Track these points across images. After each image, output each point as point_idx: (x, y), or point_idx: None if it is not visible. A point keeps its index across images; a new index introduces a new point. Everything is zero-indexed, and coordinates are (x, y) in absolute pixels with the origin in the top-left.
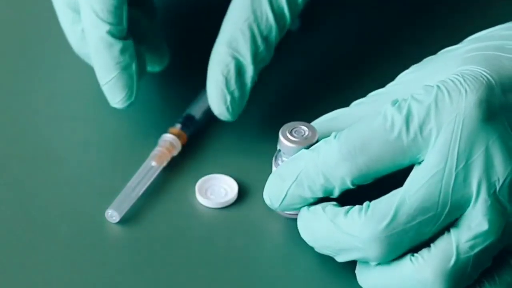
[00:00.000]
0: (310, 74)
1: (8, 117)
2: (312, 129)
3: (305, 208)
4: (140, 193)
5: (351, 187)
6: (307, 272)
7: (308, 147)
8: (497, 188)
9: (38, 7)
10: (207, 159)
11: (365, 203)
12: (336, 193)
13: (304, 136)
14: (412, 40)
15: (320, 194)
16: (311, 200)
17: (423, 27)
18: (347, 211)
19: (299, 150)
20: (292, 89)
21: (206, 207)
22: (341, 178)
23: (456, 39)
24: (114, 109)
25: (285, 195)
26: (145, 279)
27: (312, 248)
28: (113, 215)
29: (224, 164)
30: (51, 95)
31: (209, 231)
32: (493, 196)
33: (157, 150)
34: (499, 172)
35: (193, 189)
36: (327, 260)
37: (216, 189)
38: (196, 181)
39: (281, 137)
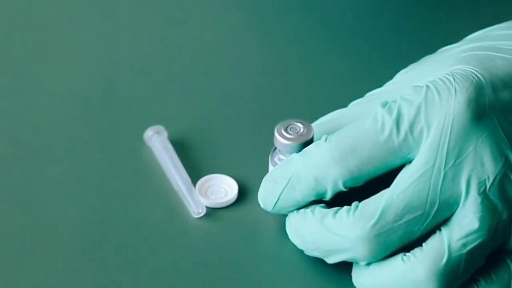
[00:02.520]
0: (310, 74)
1: (8, 117)
2: (307, 126)
3: (294, 211)
4: (186, 175)
5: (344, 189)
6: (307, 272)
7: (302, 144)
8: (487, 187)
9: (38, 7)
10: (207, 159)
11: (354, 203)
12: (328, 196)
13: (299, 133)
14: (411, 40)
15: (312, 198)
16: (304, 203)
17: (423, 27)
18: (336, 212)
19: (294, 147)
20: (292, 89)
21: (206, 207)
22: (333, 181)
23: (456, 39)
24: (114, 109)
25: (278, 199)
26: (144, 279)
27: None
28: (199, 212)
29: (224, 164)
30: (51, 95)
31: (209, 231)
32: (483, 194)
33: None
34: (489, 171)
35: None
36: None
37: (216, 189)
38: (196, 181)
39: (276, 134)
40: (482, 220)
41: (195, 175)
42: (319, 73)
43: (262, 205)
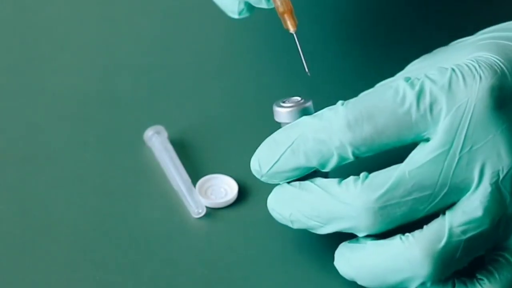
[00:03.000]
0: (312, 72)
1: (8, 117)
2: (304, 97)
3: (283, 184)
4: (186, 175)
5: (350, 158)
6: (307, 272)
7: (303, 110)
8: (500, 178)
9: (38, 7)
10: (207, 159)
11: (363, 173)
12: (332, 164)
13: (298, 102)
14: (413, 39)
15: (314, 163)
16: (301, 170)
17: (424, 26)
18: (340, 181)
19: (296, 113)
20: (293, 89)
21: (206, 207)
22: (343, 146)
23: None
24: (114, 109)
25: (277, 160)
26: (144, 279)
27: (312, 249)
28: (199, 212)
29: (224, 164)
30: (51, 95)
31: (209, 231)
32: (495, 185)
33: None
34: (505, 162)
35: None
36: (326, 261)
37: (216, 189)
38: (196, 181)
39: (275, 108)
40: (487, 210)
41: (195, 175)
42: (320, 73)
43: (256, 167)
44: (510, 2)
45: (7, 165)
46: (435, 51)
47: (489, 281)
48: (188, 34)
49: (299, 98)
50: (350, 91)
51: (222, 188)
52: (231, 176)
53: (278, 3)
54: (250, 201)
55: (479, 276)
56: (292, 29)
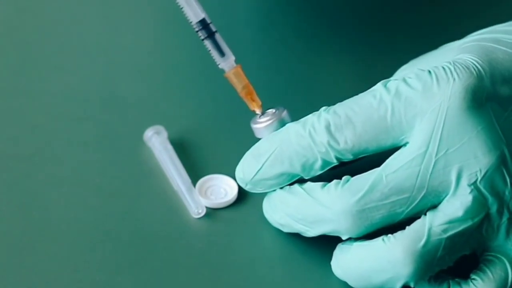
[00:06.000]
0: (310, 73)
1: (8, 117)
2: (278, 108)
3: (277, 189)
4: (186, 175)
5: (334, 162)
6: (307, 272)
7: (281, 122)
8: (479, 179)
9: (38, 7)
10: (207, 159)
11: (345, 177)
12: (316, 168)
13: (274, 113)
14: (410, 39)
15: (297, 168)
16: (285, 177)
17: (421, 26)
18: (325, 185)
19: (275, 128)
20: (293, 89)
21: (206, 207)
22: (326, 151)
23: (456, 39)
24: (114, 109)
25: (261, 167)
26: (144, 279)
27: (311, 249)
28: (198, 212)
29: (224, 164)
30: (51, 95)
31: (209, 231)
32: (473, 186)
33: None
34: (481, 163)
35: None
36: (326, 261)
37: (216, 189)
38: (196, 181)
39: (252, 125)
40: (467, 210)
41: (195, 175)
42: (319, 73)
43: (240, 176)
44: (509, 5)
45: (7, 165)
46: (423, 55)
47: (483, 280)
48: (188, 34)
49: (273, 110)
50: (350, 90)
51: (222, 188)
52: (231, 176)
53: (239, 88)
54: (250, 201)
55: (473, 276)
56: (258, 111)
